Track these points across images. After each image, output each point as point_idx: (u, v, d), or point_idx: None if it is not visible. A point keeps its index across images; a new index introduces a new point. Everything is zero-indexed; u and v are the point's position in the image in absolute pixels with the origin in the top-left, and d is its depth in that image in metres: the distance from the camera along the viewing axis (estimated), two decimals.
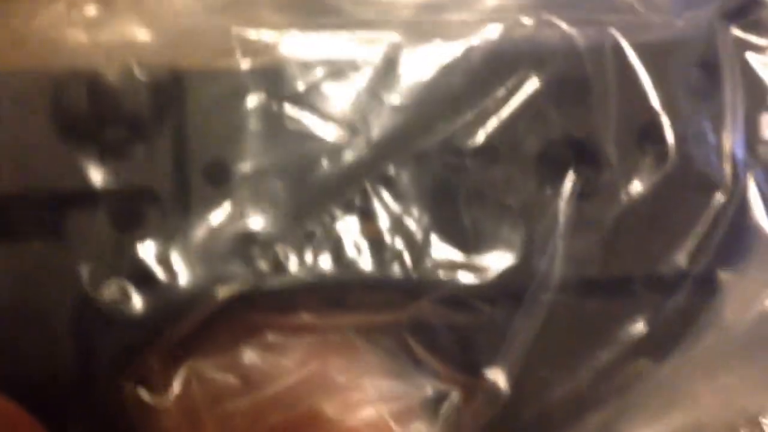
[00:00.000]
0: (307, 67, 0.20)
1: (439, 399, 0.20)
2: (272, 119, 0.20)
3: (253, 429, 0.20)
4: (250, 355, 0.20)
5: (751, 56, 0.20)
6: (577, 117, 0.20)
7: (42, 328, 0.19)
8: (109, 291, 0.19)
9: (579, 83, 0.20)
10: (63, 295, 0.19)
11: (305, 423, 0.20)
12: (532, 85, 0.20)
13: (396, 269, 0.20)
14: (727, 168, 0.20)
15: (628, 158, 0.20)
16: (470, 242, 0.20)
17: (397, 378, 0.20)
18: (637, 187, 0.20)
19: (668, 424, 0.20)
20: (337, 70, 0.20)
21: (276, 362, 0.20)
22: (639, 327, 0.20)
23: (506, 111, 0.20)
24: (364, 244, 0.20)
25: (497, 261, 0.20)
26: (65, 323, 0.19)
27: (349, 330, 0.20)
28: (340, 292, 0.20)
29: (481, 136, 0.20)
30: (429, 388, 0.20)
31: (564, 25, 0.20)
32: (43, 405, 0.19)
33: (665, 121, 0.20)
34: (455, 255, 0.20)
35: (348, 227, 0.20)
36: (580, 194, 0.20)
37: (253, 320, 0.20)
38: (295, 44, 0.20)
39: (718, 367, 0.20)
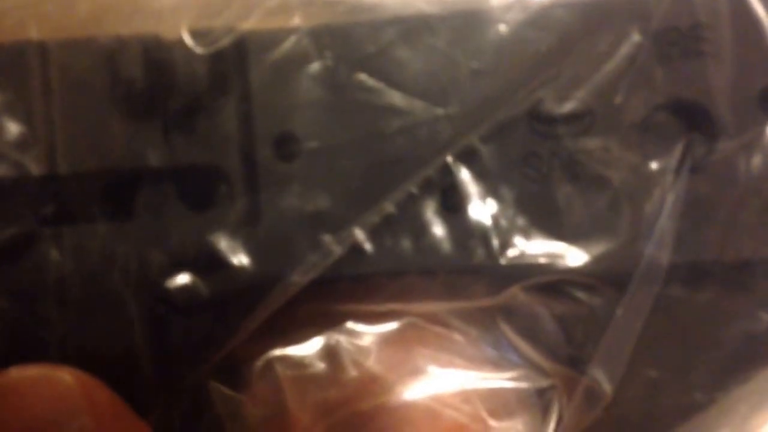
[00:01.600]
0: (376, 28, 0.18)
1: (539, 394, 0.18)
2: (341, 87, 0.18)
3: (343, 417, 0.19)
4: (335, 339, 0.19)
5: None
6: (688, 77, 0.18)
7: (112, 314, 0.18)
8: (179, 277, 0.18)
9: (689, 36, 0.18)
10: (131, 279, 0.18)
11: (395, 413, 0.19)
12: (633, 40, 0.18)
13: (482, 253, 0.18)
14: None
15: (749, 125, 0.17)
16: (564, 223, 0.18)
17: (492, 369, 0.19)
18: (758, 160, 0.17)
19: None
20: (410, 31, 0.18)
21: (360, 348, 0.19)
22: (760, 323, 0.18)
23: (604, 71, 0.18)
24: (447, 226, 0.18)
25: (595, 244, 0.18)
26: (136, 309, 0.18)
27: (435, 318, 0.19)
28: (422, 278, 0.18)
29: (574, 101, 0.18)
30: (527, 382, 0.19)
31: None
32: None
33: None
34: (547, 237, 0.18)
35: (428, 207, 0.18)
36: (692, 168, 0.18)
37: (332, 308, 0.19)
38: (363, 2, 0.18)
39: None
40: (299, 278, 0.18)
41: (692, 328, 0.18)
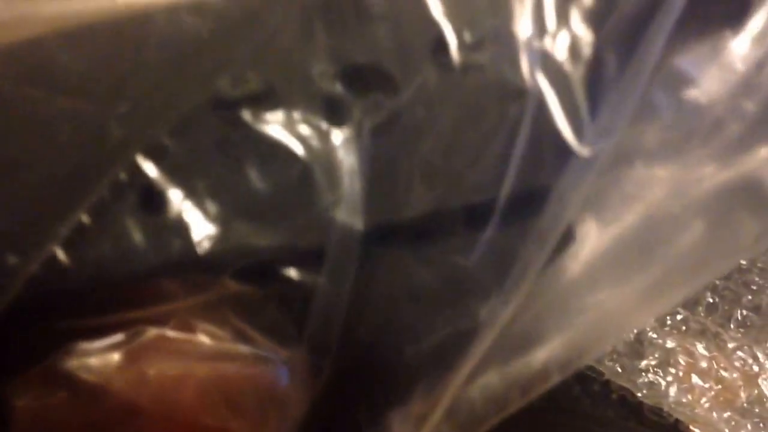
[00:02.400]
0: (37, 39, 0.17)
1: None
2: (7, 103, 0.17)
3: None
4: (71, 364, 0.18)
5: None
6: (362, 41, 0.18)
7: None
8: None
9: (358, 2, 0.18)
10: None
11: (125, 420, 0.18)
12: (301, 13, 0.18)
13: (181, 248, 0.18)
14: (523, 69, 0.17)
15: (419, 76, 0.18)
16: (258, 203, 0.18)
17: (230, 361, 0.18)
18: (432, 109, 0.17)
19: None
20: (72, 35, 0.17)
21: (93, 367, 0.18)
22: (456, 269, 0.18)
23: (278, 48, 0.18)
24: (145, 226, 0.18)
25: (292, 219, 0.18)
26: None
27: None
28: (131, 284, 0.18)
29: (253, 82, 0.18)
30: (265, 369, 0.18)
31: None
32: None
33: (449, 28, 0.17)
34: (244, 221, 0.18)
35: (124, 210, 0.18)
36: (373, 129, 0.18)
37: (57, 326, 0.18)
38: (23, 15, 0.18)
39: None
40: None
41: (395, 285, 0.18)
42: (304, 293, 0.18)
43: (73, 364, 0.18)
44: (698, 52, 0.18)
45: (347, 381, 0.18)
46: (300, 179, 0.18)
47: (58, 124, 0.17)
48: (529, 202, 0.17)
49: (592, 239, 0.19)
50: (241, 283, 0.18)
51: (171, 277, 0.18)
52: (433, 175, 0.17)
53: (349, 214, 0.17)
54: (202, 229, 0.18)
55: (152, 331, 0.19)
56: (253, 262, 0.18)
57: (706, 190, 0.19)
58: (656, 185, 0.19)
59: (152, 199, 0.18)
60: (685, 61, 0.18)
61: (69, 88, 0.17)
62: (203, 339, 0.19)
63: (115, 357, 0.19)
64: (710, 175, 0.19)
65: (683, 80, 0.18)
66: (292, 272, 0.18)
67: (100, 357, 0.18)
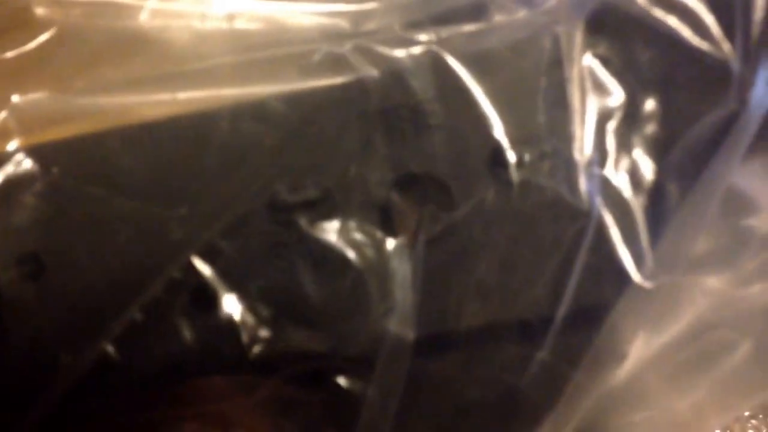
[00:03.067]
0: (99, 138, 0.18)
1: None
2: (69, 202, 0.18)
3: None
4: None
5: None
6: (418, 151, 0.18)
7: None
8: None
9: (417, 112, 0.18)
10: None
11: None
12: (359, 122, 0.18)
13: (231, 350, 0.18)
14: (582, 192, 0.17)
15: (477, 190, 0.18)
16: (312, 308, 0.18)
17: None
18: (486, 224, 0.18)
19: None
20: (133, 138, 0.18)
21: None
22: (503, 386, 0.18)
23: (337, 155, 0.18)
24: (196, 326, 0.18)
25: (344, 326, 0.18)
26: None
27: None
28: (179, 382, 0.18)
29: (311, 188, 0.18)
30: None
31: (380, 48, 0.18)
32: None
33: (508, 145, 0.17)
34: (296, 325, 0.18)
35: (176, 309, 0.18)
36: (428, 240, 0.18)
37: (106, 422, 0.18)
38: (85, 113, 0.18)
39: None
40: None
41: (444, 399, 0.18)
42: (352, 401, 0.18)
43: None
44: (756, 171, 0.18)
45: None
46: (353, 287, 0.18)
47: (118, 224, 0.18)
48: (584, 325, 0.17)
49: (639, 348, 0.19)
50: (290, 387, 0.18)
51: (220, 376, 0.18)
52: (487, 290, 0.17)
53: (400, 324, 0.17)
54: (253, 330, 0.18)
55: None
56: (303, 367, 0.18)
57: (754, 307, 0.19)
58: (704, 296, 0.19)
59: (205, 299, 0.18)
60: (742, 180, 0.18)
61: (129, 190, 0.18)
62: None
63: None
64: (760, 292, 0.19)
65: (739, 198, 0.18)
66: (342, 379, 0.18)
67: None
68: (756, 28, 0.17)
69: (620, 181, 0.17)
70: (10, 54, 0.18)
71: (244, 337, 0.18)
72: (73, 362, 0.17)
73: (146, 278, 0.18)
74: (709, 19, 0.17)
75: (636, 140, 0.17)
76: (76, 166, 0.18)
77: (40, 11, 0.18)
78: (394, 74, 0.18)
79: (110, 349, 0.17)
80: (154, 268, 0.18)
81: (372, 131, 0.18)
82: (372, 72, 0.18)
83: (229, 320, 0.18)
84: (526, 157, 0.17)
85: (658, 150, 0.17)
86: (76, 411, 0.17)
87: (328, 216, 0.18)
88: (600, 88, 0.17)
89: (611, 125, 0.17)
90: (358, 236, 0.18)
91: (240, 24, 0.18)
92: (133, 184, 0.18)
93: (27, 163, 0.18)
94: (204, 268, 0.18)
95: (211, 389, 0.18)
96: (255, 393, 0.18)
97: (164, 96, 0.18)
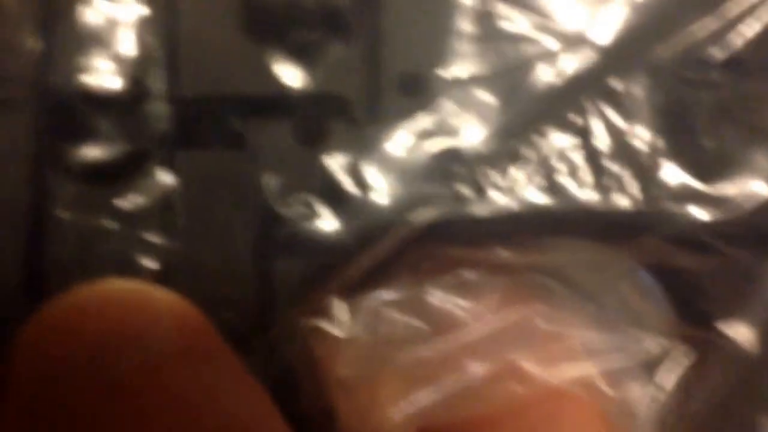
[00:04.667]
0: None
1: (661, 357, 0.17)
2: (482, 19, 0.17)
3: (440, 380, 0.17)
4: (439, 296, 0.17)
5: None
6: None
7: (223, 243, 0.17)
8: (296, 206, 0.17)
9: None
10: (246, 207, 0.17)
11: (501, 377, 0.17)
12: None
13: (618, 198, 0.17)
14: None
15: None
16: (713, 170, 0.17)
17: (610, 330, 0.17)
18: None
19: None
20: None
21: (469, 305, 0.17)
22: None
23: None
24: (582, 168, 0.17)
25: (746, 194, 0.16)
26: (247, 238, 0.17)
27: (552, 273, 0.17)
28: (551, 225, 0.17)
29: (731, 47, 0.17)
30: (649, 344, 0.17)
31: None
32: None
33: None
34: (693, 183, 0.17)
35: (563, 148, 0.17)
36: None
37: (446, 253, 0.18)
38: None
39: None
40: (421, 216, 0.17)
41: None
42: (732, 273, 0.16)
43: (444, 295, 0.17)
44: None
45: None
46: (762, 156, 0.17)
47: (527, 46, 0.17)
48: None
49: None
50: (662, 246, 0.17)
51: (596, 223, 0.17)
52: None
53: None
54: (644, 180, 0.17)
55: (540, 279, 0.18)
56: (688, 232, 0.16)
57: None
58: None
59: (590, 142, 0.17)
60: None
61: (552, 15, 0.17)
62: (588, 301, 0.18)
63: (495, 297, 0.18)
64: None
65: None
66: (731, 249, 0.16)
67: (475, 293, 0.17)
68: None
69: None
70: None
71: (635, 186, 0.17)
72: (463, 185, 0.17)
73: (542, 109, 0.17)
74: None
75: None
76: None
77: None
78: None
79: (491, 179, 0.17)
80: (554, 100, 0.17)
81: None
82: None
83: (617, 167, 0.17)
84: None
85: None
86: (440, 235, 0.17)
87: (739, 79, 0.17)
88: None
89: None
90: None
91: None
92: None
93: None
94: (601, 109, 0.17)
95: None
96: None
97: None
